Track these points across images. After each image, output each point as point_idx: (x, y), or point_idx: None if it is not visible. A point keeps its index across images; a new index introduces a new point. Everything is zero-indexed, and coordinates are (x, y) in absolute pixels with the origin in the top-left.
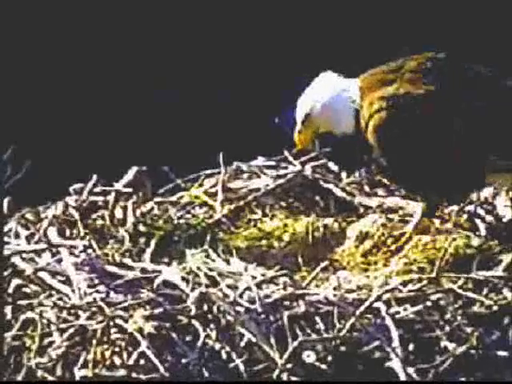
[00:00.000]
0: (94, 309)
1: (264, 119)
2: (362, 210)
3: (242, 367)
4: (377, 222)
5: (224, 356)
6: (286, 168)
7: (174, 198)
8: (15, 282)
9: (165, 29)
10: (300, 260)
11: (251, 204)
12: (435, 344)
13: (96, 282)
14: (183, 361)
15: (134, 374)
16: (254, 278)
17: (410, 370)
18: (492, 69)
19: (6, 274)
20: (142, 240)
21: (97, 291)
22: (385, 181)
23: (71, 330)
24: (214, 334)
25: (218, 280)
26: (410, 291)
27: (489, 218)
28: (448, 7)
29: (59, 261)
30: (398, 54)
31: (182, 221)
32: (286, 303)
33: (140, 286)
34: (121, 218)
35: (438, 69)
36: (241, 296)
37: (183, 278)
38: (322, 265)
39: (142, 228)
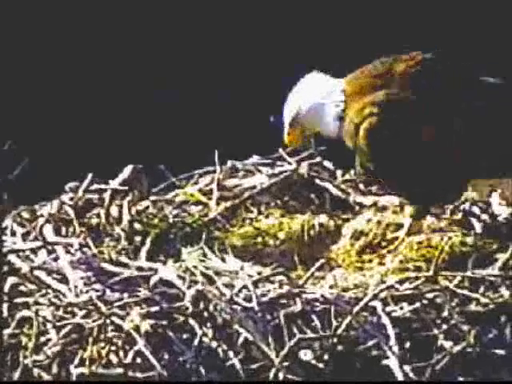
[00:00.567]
0: (90, 307)
1: (260, 118)
2: (357, 208)
3: (238, 365)
4: (372, 220)
5: (221, 354)
6: (281, 166)
7: (169, 197)
8: (11, 280)
9: (163, 28)
10: (296, 258)
11: (247, 202)
12: (432, 342)
13: (92, 280)
14: (180, 359)
15: (130, 373)
16: (250, 276)
17: (407, 369)
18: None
19: (1, 272)
20: (138, 238)
21: (93, 289)
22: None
23: (67, 328)
24: (210, 333)
25: (215, 278)
26: (406, 289)
27: (484, 216)
28: (440, 6)
29: (55, 259)
30: (391, 52)
31: (177, 219)
32: (283, 301)
33: (136, 284)
34: (116, 217)
35: (426, 71)
36: (237, 294)
37: (179, 277)
38: (319, 263)
39: (137, 226)
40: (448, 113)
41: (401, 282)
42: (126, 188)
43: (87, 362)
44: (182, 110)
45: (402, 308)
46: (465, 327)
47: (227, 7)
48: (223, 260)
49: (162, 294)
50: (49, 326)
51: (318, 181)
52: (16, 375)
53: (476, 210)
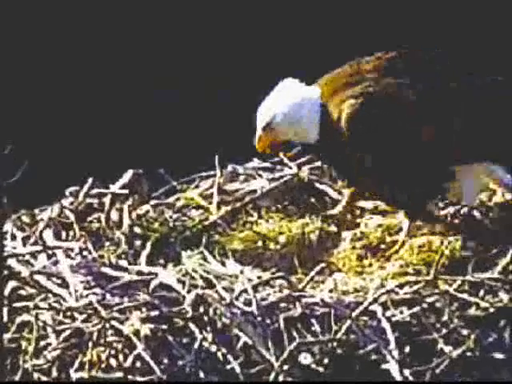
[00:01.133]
0: (90, 311)
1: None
2: (357, 211)
3: (238, 369)
4: (372, 223)
5: (220, 358)
6: (281, 170)
7: (169, 201)
8: (11, 284)
9: (164, 29)
10: (296, 262)
11: (247, 206)
12: (432, 346)
13: (92, 284)
14: (179, 363)
15: (130, 377)
16: (250, 280)
17: (407, 373)
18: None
19: (1, 276)
20: (138, 242)
21: (93, 293)
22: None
23: (67, 333)
24: (210, 337)
25: (214, 282)
26: (406, 293)
27: (484, 220)
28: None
29: (55, 263)
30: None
31: (177, 223)
32: (283, 305)
33: (136, 288)
34: (117, 221)
35: (393, 67)
36: (237, 298)
37: (179, 281)
38: (318, 267)
39: (137, 230)
40: (422, 103)
41: (401, 286)
42: (127, 192)
43: (87, 366)
44: (182, 113)
45: (401, 312)
46: (464, 331)
47: (227, 7)
48: (223, 264)
49: (161, 298)
50: (49, 330)
51: (318, 185)
52: (16, 379)
53: (476, 213)
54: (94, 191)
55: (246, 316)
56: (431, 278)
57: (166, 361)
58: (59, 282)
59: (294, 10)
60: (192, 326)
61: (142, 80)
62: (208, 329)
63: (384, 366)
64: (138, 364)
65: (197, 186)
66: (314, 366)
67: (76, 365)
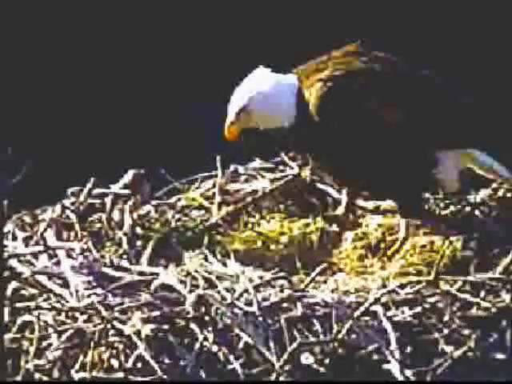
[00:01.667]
0: (91, 311)
1: None
2: (358, 212)
3: (239, 370)
4: (373, 223)
5: (222, 358)
6: (283, 170)
7: (171, 201)
8: (13, 284)
9: (167, 30)
10: (297, 263)
11: (248, 207)
12: (433, 347)
13: (93, 284)
14: (181, 363)
15: (131, 377)
16: (251, 280)
17: (408, 373)
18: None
19: (3, 276)
20: (140, 243)
21: (94, 294)
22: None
23: (69, 333)
24: (211, 337)
25: (216, 283)
26: (407, 294)
27: (486, 219)
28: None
29: (57, 263)
30: None
31: (179, 223)
32: (284, 306)
33: (137, 288)
34: (118, 221)
35: (363, 55)
36: (238, 298)
37: (181, 281)
38: (320, 267)
39: (139, 231)
40: (396, 86)
41: (402, 286)
42: (128, 192)
43: (88, 367)
44: (183, 113)
45: (403, 312)
46: (466, 331)
47: (227, 7)
48: (225, 264)
49: (163, 298)
50: (50, 330)
51: (319, 185)
52: (17, 379)
53: (478, 213)
54: (96, 191)
55: (248, 316)
56: (432, 278)
57: (167, 361)
58: (61, 282)
59: (296, 10)
60: (193, 326)
61: (144, 80)
62: (209, 329)
63: (385, 366)
64: (140, 364)
65: (198, 187)
66: (315, 366)
67: (77, 365)
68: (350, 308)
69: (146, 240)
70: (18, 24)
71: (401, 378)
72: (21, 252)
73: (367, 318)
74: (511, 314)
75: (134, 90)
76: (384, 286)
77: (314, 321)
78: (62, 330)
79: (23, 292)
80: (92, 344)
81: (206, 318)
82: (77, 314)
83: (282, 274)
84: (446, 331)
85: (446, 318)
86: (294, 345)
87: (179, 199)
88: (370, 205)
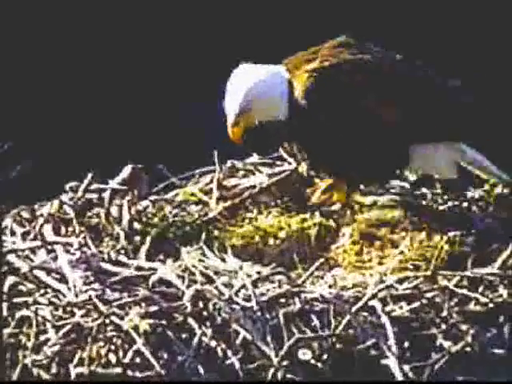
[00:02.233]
0: (89, 306)
1: None
2: (356, 207)
3: (237, 365)
4: (370, 218)
5: (220, 354)
6: (281, 166)
7: (169, 196)
8: (10, 279)
9: (163, 26)
10: (295, 258)
11: (246, 202)
12: (431, 342)
13: (91, 279)
14: (179, 358)
15: (129, 372)
16: (249, 275)
17: (406, 368)
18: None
19: (1, 271)
20: (138, 238)
21: (92, 289)
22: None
23: (67, 328)
24: (209, 332)
25: (214, 278)
26: (405, 289)
27: (483, 215)
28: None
29: (55, 258)
30: None
31: (177, 218)
32: (282, 301)
33: (135, 283)
34: (116, 216)
35: (351, 48)
36: (236, 294)
37: (178, 276)
38: (318, 262)
39: (137, 226)
40: (385, 78)
41: (400, 281)
42: (126, 187)
43: (86, 362)
44: (181, 109)
45: (401, 307)
46: (464, 327)
47: (227, 7)
48: (223, 259)
49: (161, 293)
50: (48, 325)
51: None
52: (15, 374)
53: (475, 208)
54: (94, 186)
55: (246, 311)
56: (430, 273)
57: (165, 356)
58: (58, 277)
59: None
60: (191, 321)
61: (141, 75)
62: (207, 324)
63: (383, 362)
64: (138, 359)
65: (196, 182)
66: (313, 361)
67: (75, 360)
68: (348, 303)
69: (144, 235)
70: (14, 20)
71: (399, 373)
72: (19, 247)
73: (365, 313)
74: (509, 309)
75: (131, 84)
76: (382, 281)
77: (312, 316)
78: (60, 325)
79: (21, 287)
80: (90, 339)
81: (204, 313)
82: (75, 309)
83: (279, 269)
84: (443, 326)
85: (444, 313)
86: (292, 340)
87: (177, 194)
88: (369, 200)
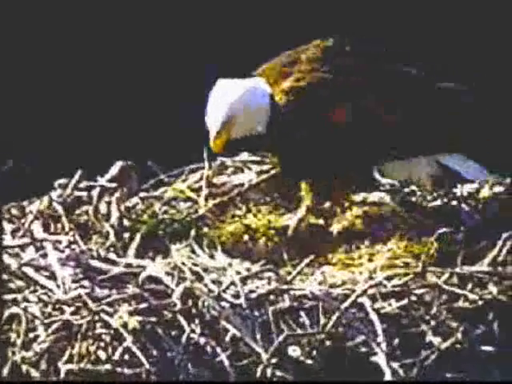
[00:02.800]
0: (78, 304)
1: None
2: (346, 204)
3: (226, 362)
4: (360, 216)
5: (209, 351)
6: (270, 163)
7: (158, 193)
8: None
9: (152, 21)
10: (285, 255)
11: (235, 199)
12: (420, 339)
13: (81, 276)
14: (168, 355)
15: (118, 369)
16: (238, 272)
17: (395, 365)
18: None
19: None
20: (127, 235)
21: (81, 286)
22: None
23: (56, 325)
24: (198, 329)
25: (203, 275)
26: (394, 286)
27: (473, 212)
28: None
29: (44, 256)
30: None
31: (166, 216)
32: (271, 298)
33: (125, 281)
34: (105, 213)
35: (330, 56)
36: (225, 291)
37: (168, 273)
38: (307, 260)
39: (126, 223)
40: (360, 92)
41: (389, 278)
42: (115, 185)
43: (76, 359)
44: (170, 106)
45: (390, 304)
46: (453, 323)
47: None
48: (212, 257)
49: (150, 290)
50: (37, 322)
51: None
52: (4, 371)
53: (465, 206)
54: (83, 184)
55: (235, 308)
56: (420, 270)
57: (154, 353)
58: (48, 274)
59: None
60: (181, 318)
61: (130, 72)
62: (196, 321)
63: (372, 359)
64: (127, 356)
65: (185, 179)
66: (302, 358)
67: (65, 357)
68: (337, 300)
69: (133, 232)
70: (10, 18)
71: (388, 370)
72: (8, 244)
73: (354, 310)
74: (498, 306)
75: (120, 81)
76: (371, 278)
77: (302, 313)
78: (49, 322)
79: (10, 284)
80: (79, 336)
81: (194, 310)
82: (64, 307)
83: (269, 267)
84: (433, 323)
85: (434, 310)
86: (281, 337)
87: (166, 191)
88: (359, 197)
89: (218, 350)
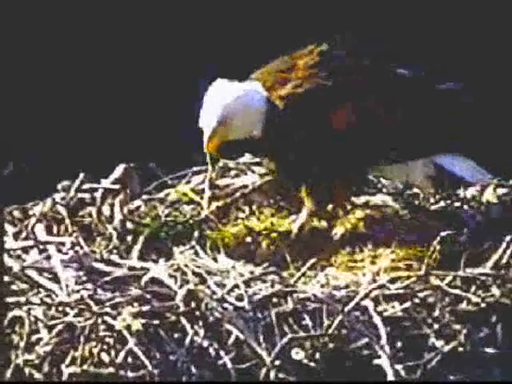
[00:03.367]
0: (81, 306)
1: None
2: (348, 207)
3: (229, 364)
4: (363, 218)
5: (212, 353)
6: (266, 169)
7: (161, 196)
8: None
9: (153, 22)
10: (288, 257)
11: (239, 201)
12: (423, 341)
13: (84, 279)
14: (171, 358)
15: (121, 372)
16: (241, 275)
17: (398, 367)
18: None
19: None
20: (130, 237)
21: (84, 288)
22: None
23: (59, 327)
24: (201, 332)
25: (206, 277)
26: (397, 288)
27: (476, 215)
28: None
29: (47, 258)
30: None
31: (169, 218)
32: (274, 300)
33: (128, 283)
34: (108, 216)
35: (327, 60)
36: (228, 293)
37: (171, 276)
38: (310, 262)
39: (129, 225)
40: (360, 92)
41: (392, 281)
42: (118, 187)
43: (79, 361)
44: (173, 108)
45: (393, 307)
46: (456, 326)
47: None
48: (215, 259)
49: (153, 293)
50: (40, 325)
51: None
52: (7, 374)
53: (468, 208)
54: (86, 186)
55: (238, 311)
56: (423, 273)
57: (157, 356)
58: (51, 276)
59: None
60: (184, 321)
61: (132, 74)
62: (200, 324)
63: (376, 361)
64: (130, 359)
65: (188, 181)
66: (305, 361)
67: (68, 360)
68: (341, 303)
69: (137, 234)
70: (9, 18)
71: (391, 373)
72: (11, 247)
73: (357, 313)
74: (501, 308)
75: (123, 83)
76: (374, 280)
77: (305, 316)
78: (52, 325)
79: (13, 287)
80: (82, 339)
81: (197, 312)
82: (67, 309)
83: (272, 269)
84: (436, 326)
85: (437, 313)
86: (285, 340)
87: (169, 194)
88: (361, 200)
89: (221, 352)
